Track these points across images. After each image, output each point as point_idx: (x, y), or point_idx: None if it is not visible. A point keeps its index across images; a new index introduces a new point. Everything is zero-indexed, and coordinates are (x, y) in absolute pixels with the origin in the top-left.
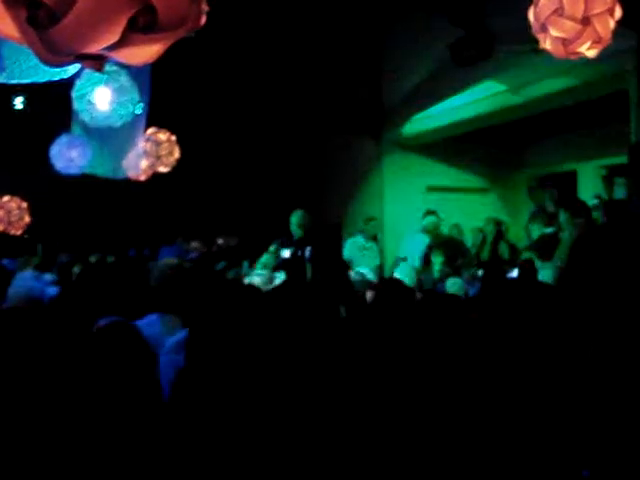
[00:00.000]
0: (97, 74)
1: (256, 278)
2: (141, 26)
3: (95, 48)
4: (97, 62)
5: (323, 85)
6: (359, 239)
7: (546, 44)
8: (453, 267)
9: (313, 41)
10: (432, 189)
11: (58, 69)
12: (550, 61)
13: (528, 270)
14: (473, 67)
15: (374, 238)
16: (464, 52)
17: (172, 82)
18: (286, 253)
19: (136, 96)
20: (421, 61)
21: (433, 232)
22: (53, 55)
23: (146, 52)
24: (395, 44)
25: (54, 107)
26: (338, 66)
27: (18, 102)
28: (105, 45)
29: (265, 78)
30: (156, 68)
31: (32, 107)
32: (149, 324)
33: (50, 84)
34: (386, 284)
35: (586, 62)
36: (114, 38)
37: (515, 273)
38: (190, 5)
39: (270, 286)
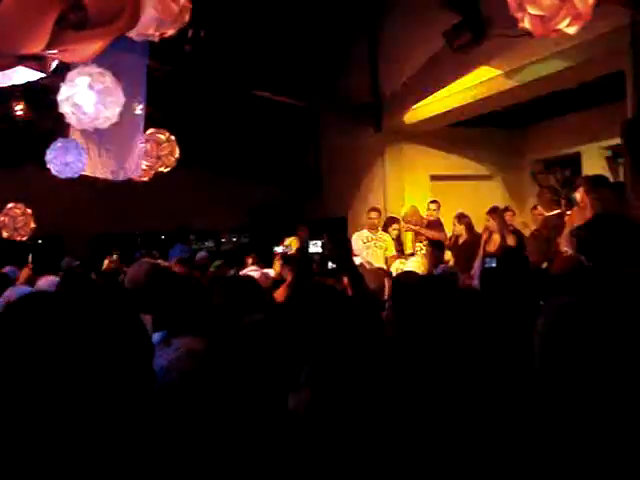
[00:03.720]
0: (82, 77)
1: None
2: (72, 23)
3: (28, 48)
4: (40, 63)
5: (320, 77)
6: (364, 232)
7: (525, 23)
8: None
9: (308, 30)
10: (436, 178)
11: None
12: (544, 43)
13: (507, 260)
14: (469, 52)
15: (384, 229)
16: (459, 37)
17: (169, 82)
18: (278, 249)
19: (121, 97)
20: (418, 48)
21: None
22: None
23: (84, 50)
24: (391, 32)
25: (53, 112)
26: (334, 56)
27: (18, 108)
28: (37, 44)
29: (262, 69)
30: (152, 68)
31: (33, 112)
32: None
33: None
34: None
35: (579, 43)
36: (44, 36)
37: (493, 263)
38: (123, 1)
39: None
